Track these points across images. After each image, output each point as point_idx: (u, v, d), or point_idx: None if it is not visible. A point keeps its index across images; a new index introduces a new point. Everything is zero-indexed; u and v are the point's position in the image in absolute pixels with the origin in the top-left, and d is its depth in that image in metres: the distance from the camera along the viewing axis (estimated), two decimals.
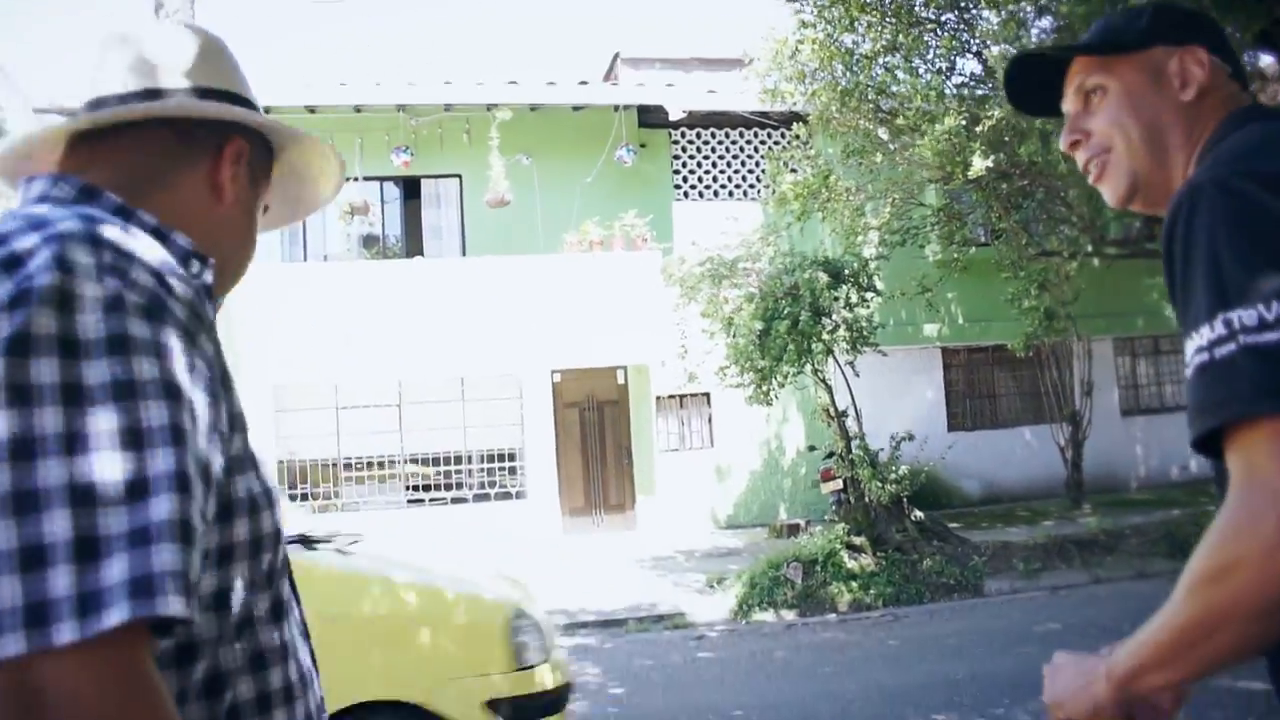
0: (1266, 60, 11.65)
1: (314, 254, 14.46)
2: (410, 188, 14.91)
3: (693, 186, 15.66)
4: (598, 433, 14.23)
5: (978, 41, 10.27)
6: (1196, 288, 1.13)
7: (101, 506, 0.79)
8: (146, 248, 0.95)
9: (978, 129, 9.49)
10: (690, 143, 15.72)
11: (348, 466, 13.17)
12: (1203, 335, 1.10)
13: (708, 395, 14.54)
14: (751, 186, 15.65)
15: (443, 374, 13.14)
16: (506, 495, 13.50)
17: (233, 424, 0.99)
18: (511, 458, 13.64)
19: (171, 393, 0.86)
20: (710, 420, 14.94)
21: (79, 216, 0.93)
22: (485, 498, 13.39)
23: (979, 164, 9.37)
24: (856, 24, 10.32)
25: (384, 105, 13.77)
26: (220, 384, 0.97)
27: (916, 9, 10.16)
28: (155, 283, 0.91)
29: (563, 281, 13.23)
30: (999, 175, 10.75)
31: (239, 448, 1.00)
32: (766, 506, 14.77)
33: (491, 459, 13.63)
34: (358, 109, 13.80)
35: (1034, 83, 1.51)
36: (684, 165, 15.66)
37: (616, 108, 14.60)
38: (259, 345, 12.40)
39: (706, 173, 15.71)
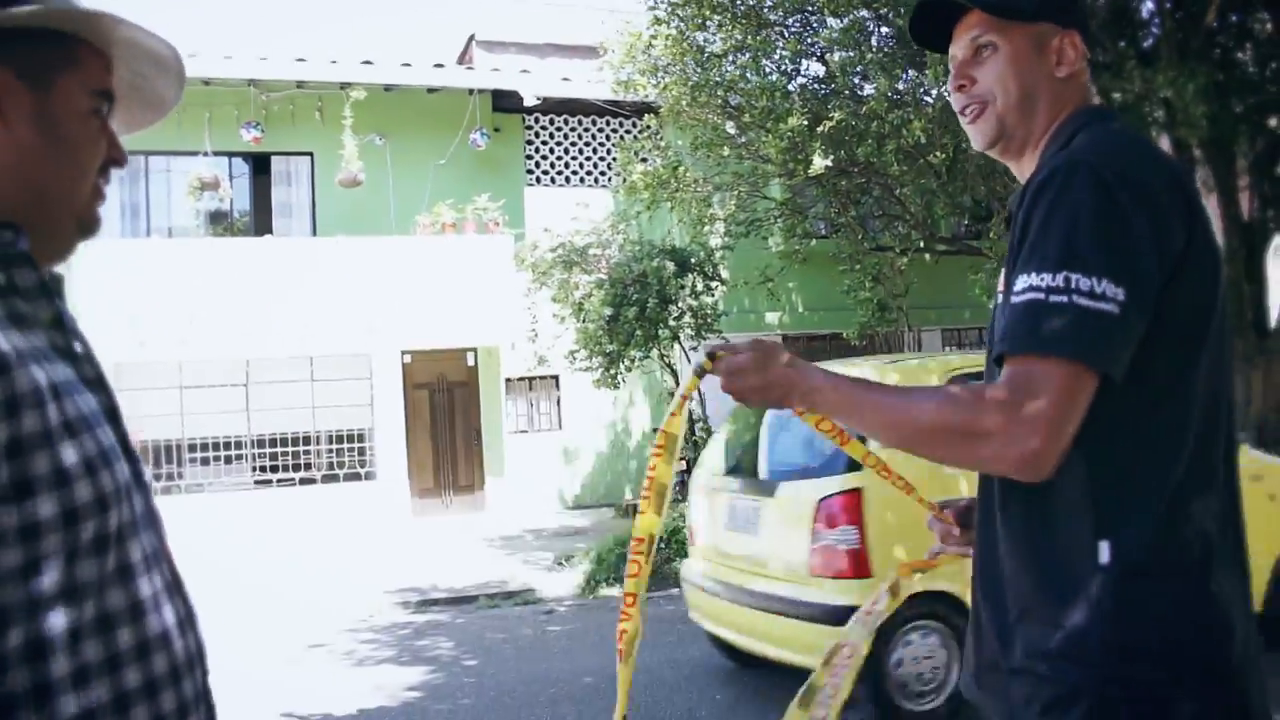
0: None
1: (158, 229, 14.09)
2: (260, 164, 14.67)
3: (545, 172, 15.87)
4: (447, 414, 14.34)
5: (821, 46, 10.79)
6: (1052, 239, 1.38)
7: None
8: None
9: (819, 129, 9.99)
10: (543, 128, 15.92)
11: (192, 448, 12.93)
12: (1042, 278, 1.36)
13: (556, 378, 14.82)
14: (603, 174, 15.95)
15: (291, 353, 13.02)
16: (355, 476, 13.50)
17: (42, 394, 0.98)
18: (361, 438, 13.63)
19: None
20: (559, 403, 15.23)
21: None
22: (334, 479, 13.36)
23: (819, 162, 9.89)
24: (708, 23, 10.73)
25: (234, 79, 13.50)
26: (21, 360, 0.97)
27: (765, 12, 10.61)
28: None
29: (414, 263, 13.27)
30: (839, 172, 11.32)
31: (57, 417, 1.00)
32: (613, 487, 15.15)
33: (341, 440, 13.59)
34: (206, 82, 13.46)
35: (931, 24, 1.71)
36: (536, 151, 15.86)
37: (471, 91, 14.68)
38: (99, 322, 12.08)
39: (559, 159, 15.94)
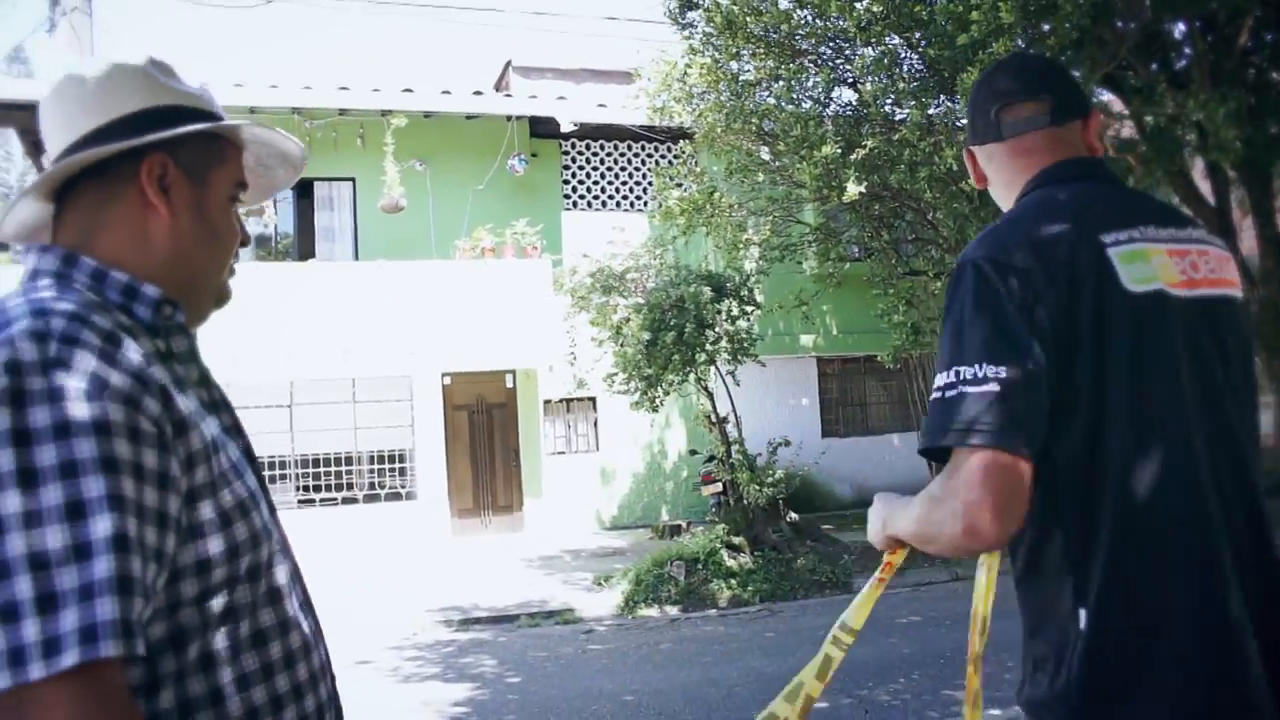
0: (1110, 98, 12.68)
1: None
2: (304, 189, 15.01)
3: (581, 196, 16.11)
4: (486, 435, 14.56)
5: (853, 74, 10.94)
6: (945, 341, 1.51)
7: (54, 568, 0.97)
8: (99, 316, 1.11)
9: (852, 156, 10.14)
10: (580, 153, 16.17)
11: None
12: (941, 378, 1.48)
13: (593, 400, 15.01)
14: (639, 198, 16.18)
15: (334, 375, 13.30)
16: (396, 496, 13.75)
17: (209, 450, 1.15)
18: (402, 459, 13.88)
19: (109, 465, 1.01)
20: (595, 424, 15.42)
21: (33, 312, 1.08)
22: (375, 498, 13.61)
23: (853, 189, 10.02)
24: (741, 52, 10.91)
25: (279, 108, 13.86)
26: (182, 423, 1.12)
27: (797, 41, 10.78)
28: (95, 359, 1.05)
29: (454, 287, 13.53)
30: (872, 198, 11.46)
31: (218, 468, 1.17)
32: (649, 508, 15.31)
33: (382, 460, 13.85)
34: (252, 110, 13.83)
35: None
36: (573, 175, 16.11)
37: (509, 118, 14.95)
38: None
39: (595, 183, 16.18)
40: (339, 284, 13.43)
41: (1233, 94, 10.58)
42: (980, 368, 1.43)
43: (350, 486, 13.63)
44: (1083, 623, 1.46)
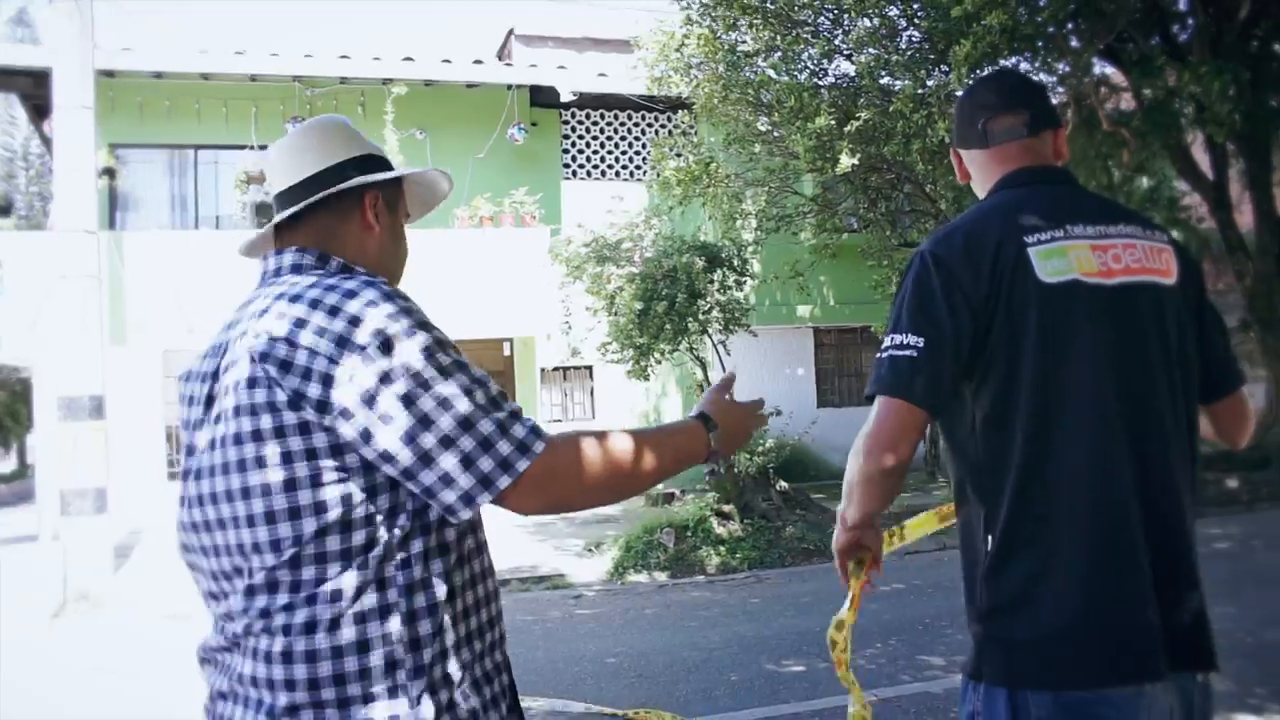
0: (1111, 70, 12.65)
1: (206, 220, 14.54)
2: None
3: (580, 166, 16.15)
4: None
5: (849, 46, 10.96)
6: (892, 313, 1.91)
7: (493, 411, 1.43)
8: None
9: (847, 128, 10.18)
10: (580, 123, 16.19)
11: None
12: (885, 340, 1.89)
13: (590, 369, 15.12)
14: (638, 168, 16.21)
15: None
16: None
17: None
18: None
19: (468, 362, 1.48)
20: (592, 393, 15.54)
21: (364, 284, 1.49)
22: None
23: (846, 160, 10.08)
24: (739, 23, 10.93)
25: (280, 76, 13.91)
26: None
27: (794, 13, 10.79)
28: (418, 307, 1.51)
29: (453, 255, 13.59)
30: (868, 169, 11.50)
31: None
32: None
33: None
34: (254, 78, 13.90)
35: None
36: (573, 145, 16.14)
37: (509, 87, 14.98)
38: (147, 311, 12.53)
39: (595, 153, 16.22)
40: None
41: (1229, 66, 10.56)
42: (907, 336, 1.83)
43: None
44: (989, 547, 1.82)
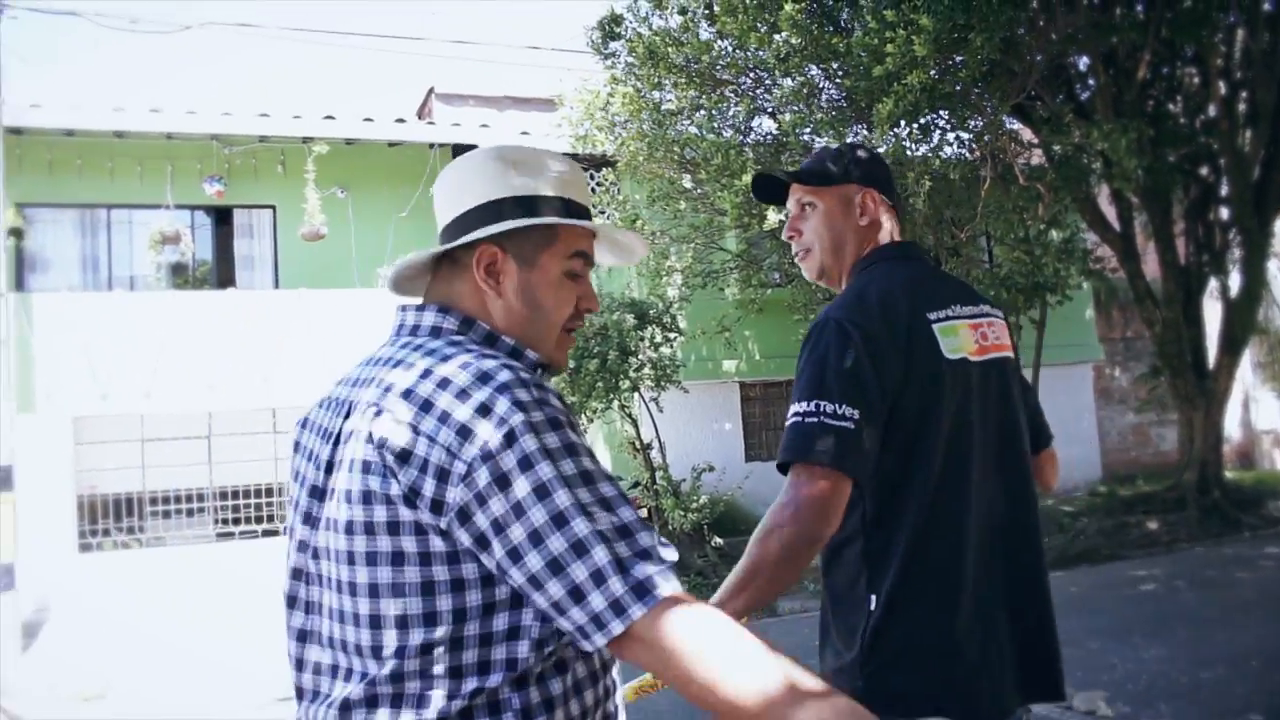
0: (1017, 127, 13.07)
1: (120, 280, 14.16)
2: (222, 217, 14.81)
3: None
4: None
5: (773, 104, 11.16)
6: (807, 377, 1.90)
7: (616, 541, 1.23)
8: (529, 375, 1.34)
9: None
10: None
11: (153, 501, 12.93)
12: (801, 406, 1.88)
13: None
14: None
15: (254, 406, 13.09)
16: None
17: None
18: None
19: (603, 474, 1.30)
20: None
21: (501, 366, 1.32)
22: None
23: (773, 217, 10.21)
24: (664, 82, 11.07)
25: (198, 134, 13.67)
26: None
27: (718, 72, 10.97)
28: (557, 399, 1.33)
29: (377, 315, 13.41)
30: None
31: None
32: None
33: None
34: (169, 136, 13.64)
35: (770, 184, 2.28)
36: None
37: (432, 145, 14.93)
38: (57, 376, 12.12)
39: None
40: (259, 312, 13.25)
41: (1133, 124, 11.00)
42: (840, 406, 1.84)
43: (271, 519, 13.40)
44: (873, 606, 1.91)
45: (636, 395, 11.34)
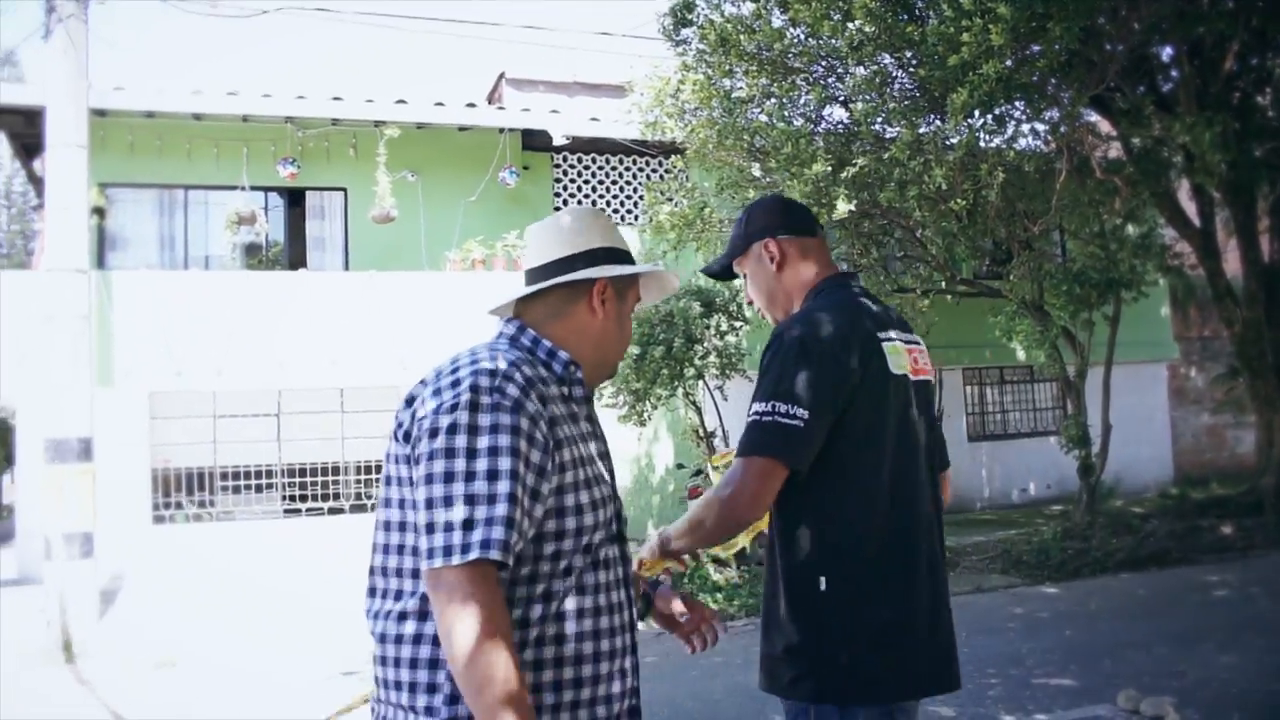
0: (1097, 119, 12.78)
1: (195, 260, 14.45)
2: (295, 199, 15.03)
3: None
4: None
5: (845, 93, 11.03)
6: (766, 381, 2.20)
7: (477, 504, 1.62)
8: (526, 367, 1.79)
9: (843, 174, 10.21)
10: (571, 167, 16.23)
11: (224, 476, 13.20)
12: (759, 405, 2.18)
13: None
14: (629, 212, 16.24)
15: (323, 385, 13.29)
16: None
17: (577, 462, 1.81)
18: None
19: (514, 453, 1.66)
20: None
21: (493, 354, 1.78)
22: (362, 509, 13.57)
23: (843, 206, 10.10)
24: (734, 70, 10.98)
25: (272, 117, 13.89)
26: (559, 441, 1.77)
27: (790, 60, 10.85)
28: (518, 391, 1.71)
29: (444, 298, 13.54)
30: (861, 215, 11.55)
31: (583, 475, 1.82)
32: (636, 522, 15.30)
33: (369, 470, 13.85)
34: (245, 119, 13.88)
35: (723, 267, 2.65)
36: (565, 189, 16.16)
37: (501, 130, 15.01)
38: (135, 352, 12.40)
39: (586, 196, 16.24)
40: (329, 294, 13.44)
41: (1218, 117, 10.68)
42: (794, 408, 2.14)
43: (336, 496, 13.61)
44: (824, 587, 2.18)
45: (701, 383, 11.30)
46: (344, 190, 14.83)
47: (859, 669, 2.14)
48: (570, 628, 1.76)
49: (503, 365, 1.74)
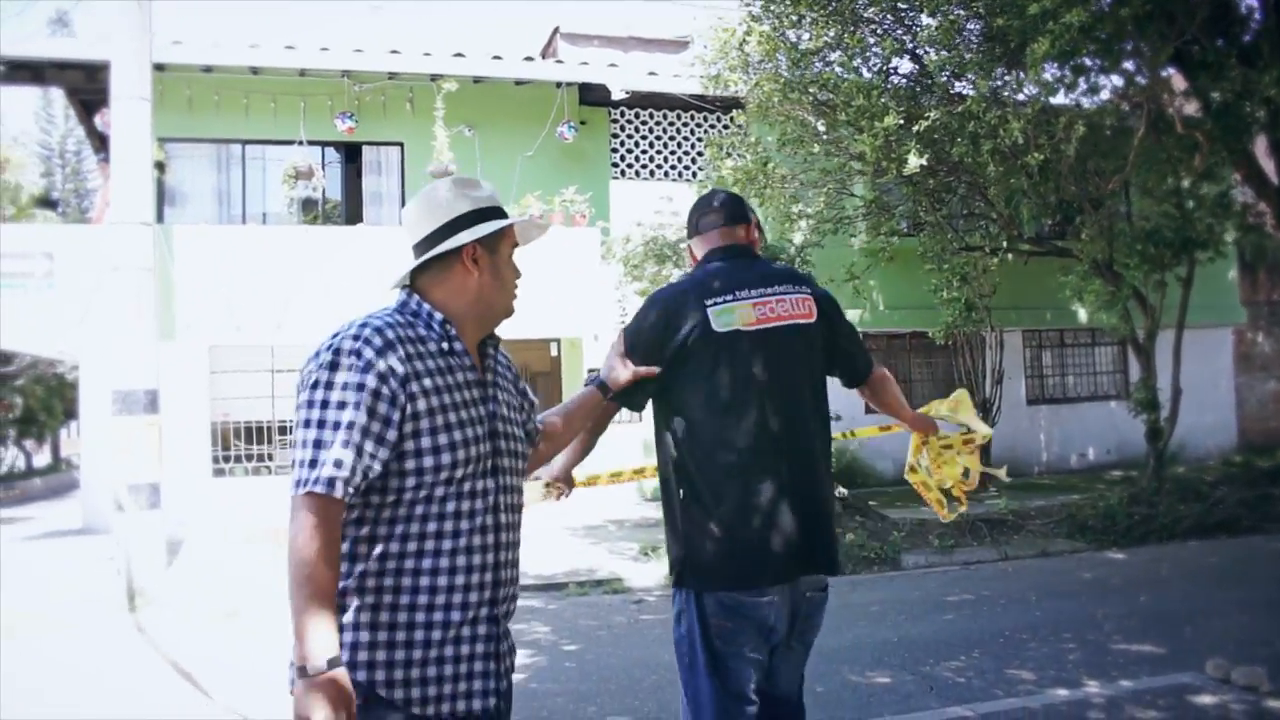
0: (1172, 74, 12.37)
1: (253, 215, 14.45)
2: (352, 154, 14.97)
3: (629, 165, 15.98)
4: None
5: (915, 44, 10.74)
6: (629, 334, 2.94)
7: (320, 448, 1.94)
8: (399, 329, 2.09)
9: (914, 128, 9.96)
10: (629, 122, 16.03)
11: (283, 430, 13.26)
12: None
13: None
14: (687, 168, 16.03)
15: None
16: None
17: (434, 410, 2.07)
18: None
19: (356, 406, 1.97)
20: None
21: (369, 320, 2.08)
22: None
23: (914, 161, 9.85)
24: (803, 20, 10.72)
25: (329, 71, 13.82)
26: (413, 394, 2.04)
27: (859, 9, 10.58)
28: (372, 353, 2.01)
29: None
30: (927, 171, 11.27)
31: (441, 420, 2.08)
32: None
33: None
34: (302, 73, 13.82)
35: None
36: (622, 144, 15.98)
37: (559, 84, 14.84)
38: (195, 305, 12.44)
39: (644, 152, 16.05)
40: (387, 249, 13.38)
41: None
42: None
43: None
44: (681, 497, 2.76)
45: None
46: (400, 145, 14.75)
47: (699, 561, 2.71)
48: (430, 544, 2.06)
49: (369, 331, 2.04)
